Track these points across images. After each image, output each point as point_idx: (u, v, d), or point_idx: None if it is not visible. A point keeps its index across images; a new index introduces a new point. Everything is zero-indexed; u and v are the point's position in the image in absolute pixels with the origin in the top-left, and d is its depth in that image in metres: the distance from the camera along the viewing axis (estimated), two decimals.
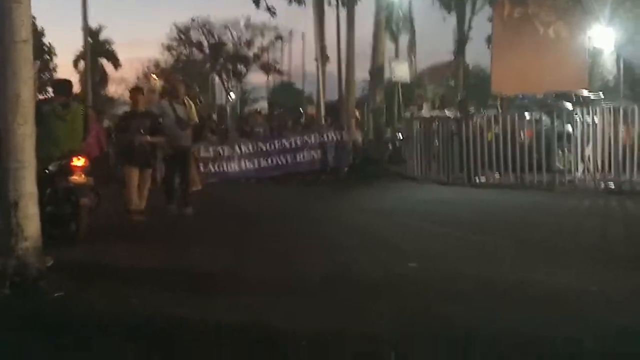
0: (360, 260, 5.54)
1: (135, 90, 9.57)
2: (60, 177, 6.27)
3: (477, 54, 31.56)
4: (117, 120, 8.60)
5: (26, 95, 4.19)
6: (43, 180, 5.29)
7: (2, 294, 4.09)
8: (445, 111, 13.40)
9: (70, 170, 6.28)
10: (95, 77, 26.89)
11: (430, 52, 64.78)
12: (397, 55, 24.07)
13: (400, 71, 15.11)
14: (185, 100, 9.55)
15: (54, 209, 6.15)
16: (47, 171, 6.06)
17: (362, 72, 24.12)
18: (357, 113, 19.01)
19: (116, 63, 42.30)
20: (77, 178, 6.31)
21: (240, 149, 15.76)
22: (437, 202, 9.95)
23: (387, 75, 18.34)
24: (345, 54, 19.05)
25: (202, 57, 43.95)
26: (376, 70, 16.26)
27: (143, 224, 7.85)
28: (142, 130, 8.32)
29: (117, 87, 47.01)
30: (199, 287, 4.64)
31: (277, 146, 14.51)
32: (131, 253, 5.76)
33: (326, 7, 21.14)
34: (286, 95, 42.68)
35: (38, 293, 4.13)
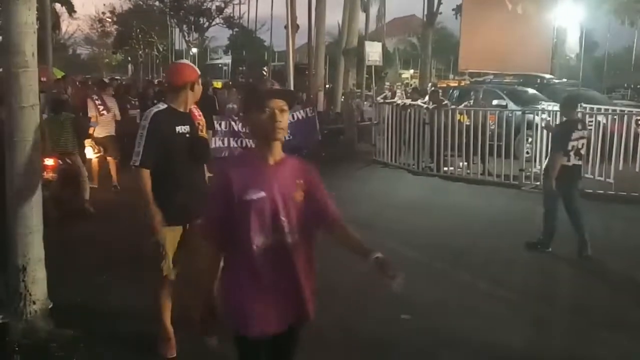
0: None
1: None
2: None
3: (442, 17, 31.76)
4: None
5: (34, 160, 4.14)
6: None
7: (12, 359, 4.13)
8: (419, 101, 13.50)
9: None
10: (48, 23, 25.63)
11: (392, 4, 64.02)
12: (367, 25, 23.88)
13: (374, 54, 15.10)
14: None
15: None
16: None
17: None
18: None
19: (71, 9, 40.49)
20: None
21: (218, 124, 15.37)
22: (407, 207, 9.82)
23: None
24: (315, 23, 18.85)
25: (162, 7, 42.43)
26: (349, 51, 16.12)
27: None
28: None
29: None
30: None
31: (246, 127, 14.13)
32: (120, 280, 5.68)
33: None
34: (248, 48, 41.85)
35: (48, 356, 4.19)
